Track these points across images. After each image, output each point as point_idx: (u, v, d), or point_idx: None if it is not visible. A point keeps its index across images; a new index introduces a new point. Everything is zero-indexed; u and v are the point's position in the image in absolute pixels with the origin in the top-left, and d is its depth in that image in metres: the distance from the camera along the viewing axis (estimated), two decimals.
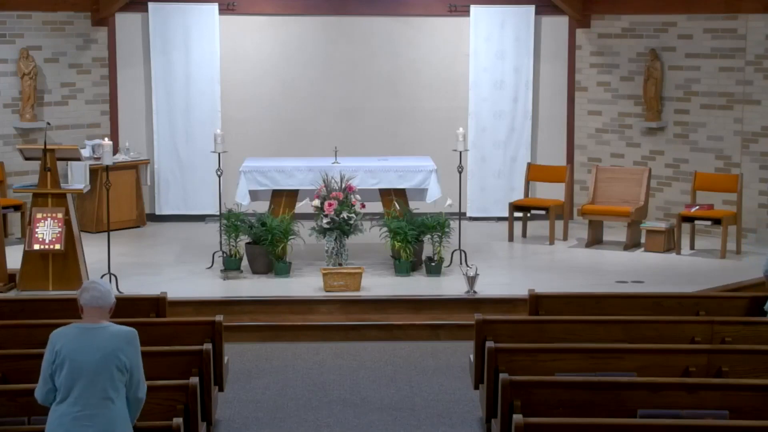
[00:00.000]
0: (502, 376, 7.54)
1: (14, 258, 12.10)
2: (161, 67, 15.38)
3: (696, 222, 13.76)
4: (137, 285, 11.90)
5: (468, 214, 15.45)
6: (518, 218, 14.50)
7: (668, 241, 13.71)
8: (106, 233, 12.07)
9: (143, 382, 6.30)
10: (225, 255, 12.55)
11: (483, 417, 8.55)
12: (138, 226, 15.17)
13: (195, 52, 15.37)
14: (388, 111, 15.70)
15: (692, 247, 13.85)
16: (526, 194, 14.89)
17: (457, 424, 8.99)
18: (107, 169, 11.84)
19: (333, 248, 12.35)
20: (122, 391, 6.19)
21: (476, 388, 8.93)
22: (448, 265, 12.74)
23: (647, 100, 14.91)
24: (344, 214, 12.28)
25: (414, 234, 12.42)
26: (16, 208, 14.10)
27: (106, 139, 12.33)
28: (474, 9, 15.47)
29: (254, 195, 13.09)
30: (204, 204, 15.46)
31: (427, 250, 12.74)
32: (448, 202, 12.80)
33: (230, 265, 12.45)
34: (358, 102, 15.69)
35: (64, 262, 11.71)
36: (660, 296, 9.85)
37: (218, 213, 13.31)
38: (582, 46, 15.57)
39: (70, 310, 9.09)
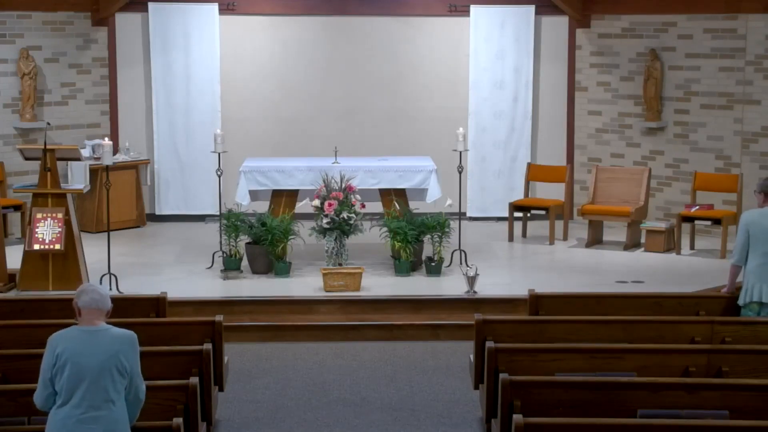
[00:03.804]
0: (502, 376, 7.55)
1: (14, 258, 12.10)
2: (161, 67, 15.38)
3: (696, 222, 13.77)
4: (137, 285, 11.90)
5: (468, 214, 15.45)
6: (518, 218, 14.50)
7: (668, 241, 13.71)
8: (106, 233, 12.07)
9: (142, 384, 6.32)
10: (225, 255, 12.55)
11: (483, 417, 8.55)
12: (138, 226, 15.17)
13: (195, 52, 15.37)
14: (388, 111, 15.70)
15: (692, 247, 13.86)
16: (526, 194, 14.89)
17: (457, 424, 8.99)
18: (107, 169, 11.84)
19: (333, 248, 12.35)
20: (123, 392, 6.21)
21: (476, 388, 8.93)
22: (448, 265, 12.74)
23: (647, 100, 14.91)
24: (344, 214, 12.28)
25: (414, 234, 12.42)
26: (16, 208, 14.11)
27: (106, 139, 12.33)
28: (474, 9, 15.47)
29: (254, 195, 13.09)
30: (204, 204, 15.46)
31: (427, 250, 12.74)
32: (448, 202, 12.80)
33: (230, 265, 12.45)
34: (358, 102, 15.69)
35: (64, 262, 11.71)
36: (660, 296, 9.85)
37: (218, 213, 13.31)
38: (582, 46, 15.57)
39: (70, 310, 9.03)
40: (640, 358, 8.11)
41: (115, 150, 14.88)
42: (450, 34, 15.64)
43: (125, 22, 15.42)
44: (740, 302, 9.30)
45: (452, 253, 12.90)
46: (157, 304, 9.54)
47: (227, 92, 15.50)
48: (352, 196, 12.41)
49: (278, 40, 15.61)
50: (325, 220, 12.31)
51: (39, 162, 11.92)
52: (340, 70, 15.65)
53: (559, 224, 14.35)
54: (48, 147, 11.84)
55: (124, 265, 12.72)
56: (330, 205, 12.28)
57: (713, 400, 7.31)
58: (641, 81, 14.99)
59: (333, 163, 13.04)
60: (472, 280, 11.69)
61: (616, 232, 14.49)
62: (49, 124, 12.94)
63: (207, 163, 15.10)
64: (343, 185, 12.45)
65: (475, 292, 11.71)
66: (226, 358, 9.04)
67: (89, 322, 6.22)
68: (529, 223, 14.63)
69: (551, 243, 14.12)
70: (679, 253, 13.62)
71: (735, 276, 9.48)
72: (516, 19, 15.48)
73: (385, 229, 12.57)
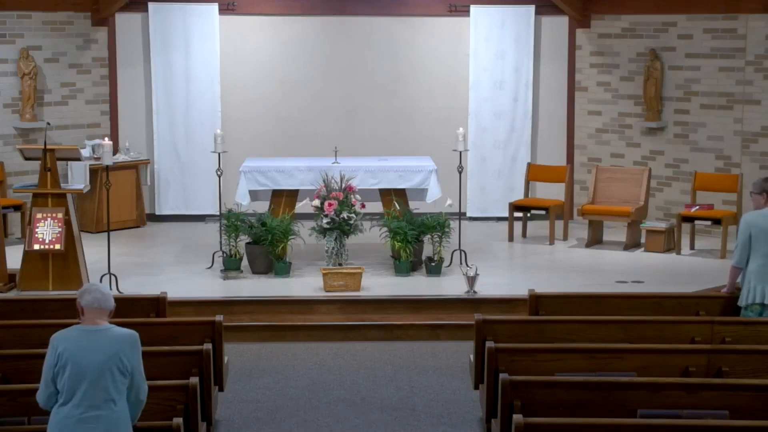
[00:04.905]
0: (502, 376, 7.55)
1: (14, 258, 12.10)
2: (161, 67, 15.38)
3: (696, 222, 13.77)
4: (137, 285, 11.90)
5: (468, 214, 15.45)
6: (518, 218, 14.50)
7: (668, 241, 13.71)
8: (106, 233, 12.07)
9: (144, 384, 6.32)
10: (225, 255, 12.55)
11: (483, 417, 8.55)
12: (138, 226, 15.17)
13: (195, 52, 15.37)
14: (388, 111, 15.70)
15: (692, 247, 13.86)
16: (526, 194, 14.89)
17: (457, 424, 8.99)
18: (107, 169, 11.84)
19: (333, 248, 12.35)
20: (124, 392, 6.21)
21: (476, 388, 8.93)
22: (448, 265, 12.74)
23: (647, 100, 14.91)
24: (344, 214, 12.28)
25: (414, 234, 12.42)
26: (16, 208, 14.10)
27: (106, 139, 12.32)
28: (474, 9, 15.47)
29: (254, 195, 13.08)
30: (204, 204, 15.46)
31: (427, 250, 12.74)
32: (448, 202, 12.80)
33: (230, 265, 12.45)
34: (358, 102, 15.69)
35: (64, 262, 11.71)
36: (660, 296, 9.85)
37: (218, 213, 13.32)
38: (582, 46, 15.57)
39: (70, 310, 9.08)
40: (640, 358, 8.11)
41: (115, 150, 14.88)
42: (450, 34, 15.64)
43: (125, 22, 15.42)
44: (741, 303, 9.29)
45: (452, 253, 12.89)
46: (157, 304, 9.54)
47: (227, 92, 15.50)
48: (352, 196, 12.41)
49: (278, 40, 15.61)
50: (325, 220, 12.32)
51: (39, 162, 11.92)
52: (340, 70, 15.65)
53: (559, 224, 14.35)
54: (48, 147, 11.84)
55: (124, 265, 12.72)
56: (330, 205, 12.28)
57: (713, 400, 7.31)
58: (641, 81, 14.99)
59: (333, 163, 13.04)
60: (472, 280, 11.69)
61: (616, 232, 14.49)
62: (49, 124, 12.94)
63: (207, 163, 15.10)
64: (343, 185, 12.45)
65: (475, 292, 11.71)
66: (226, 358, 9.04)
67: (92, 321, 6.23)
68: (529, 223, 14.63)
69: (551, 243, 14.12)
70: (679, 253, 13.62)
71: (735, 277, 9.49)
72: (516, 19, 15.48)
73: (385, 229, 12.57)
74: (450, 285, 12.10)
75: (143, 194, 15.32)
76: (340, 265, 12.27)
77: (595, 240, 14.11)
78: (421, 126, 15.66)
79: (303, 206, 12.78)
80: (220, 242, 12.82)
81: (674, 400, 7.33)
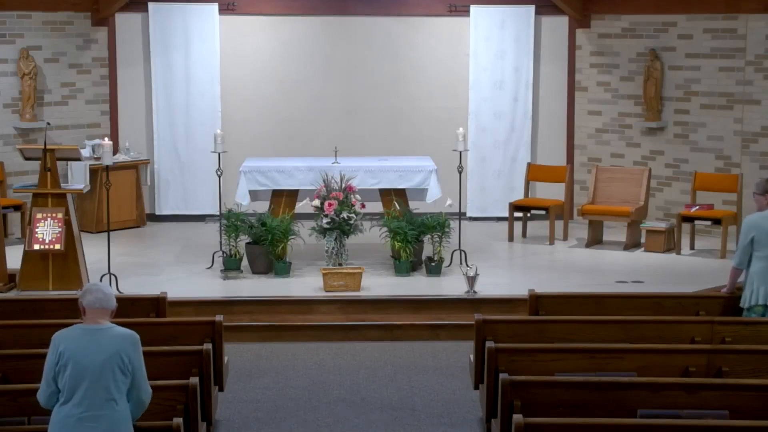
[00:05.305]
0: (502, 376, 7.55)
1: (14, 258, 12.10)
2: (161, 67, 15.38)
3: (696, 222, 13.77)
4: (137, 285, 11.91)
5: (468, 214, 15.45)
6: (518, 218, 14.50)
7: (668, 241, 13.71)
8: (106, 233, 12.07)
9: (146, 384, 6.32)
10: (225, 255, 12.55)
11: (483, 417, 8.55)
12: (138, 226, 15.18)
13: (195, 52, 15.37)
14: (388, 111, 15.70)
15: (692, 247, 13.86)
16: (526, 194, 14.89)
17: (457, 424, 8.99)
18: (107, 169, 11.84)
19: (333, 248, 12.36)
20: (125, 392, 6.22)
21: (476, 388, 8.94)
22: (448, 265, 12.74)
23: (647, 100, 14.92)
24: (344, 214, 12.28)
25: (414, 234, 12.42)
26: (16, 208, 14.11)
27: (106, 139, 12.32)
28: (474, 9, 15.47)
29: (254, 195, 13.09)
30: (204, 204, 15.46)
31: (427, 250, 12.74)
32: (448, 202, 12.80)
33: (230, 265, 12.45)
34: (358, 102, 15.69)
35: (64, 262, 11.71)
36: (660, 296, 9.86)
37: (218, 213, 13.32)
38: (582, 46, 15.57)
39: (70, 310, 9.11)
40: (640, 358, 8.11)
41: (115, 150, 14.88)
42: (450, 34, 15.64)
43: (125, 22, 15.42)
44: (744, 305, 9.28)
45: (452, 253, 12.89)
46: (157, 304, 9.54)
47: (227, 92, 15.50)
48: (352, 196, 12.41)
49: (278, 40, 15.61)
50: (325, 220, 12.32)
51: (39, 162, 11.91)
52: (340, 70, 15.65)
53: (559, 224, 14.35)
54: (48, 147, 11.84)
55: (124, 265, 12.72)
56: (330, 205, 12.28)
57: (713, 400, 7.31)
58: (641, 81, 14.99)
59: (333, 163, 13.04)
60: (472, 280, 11.69)
61: (616, 232, 14.49)
62: (49, 124, 12.94)
63: (207, 163, 15.10)
64: (343, 185, 12.46)
65: (475, 292, 11.71)
66: (226, 358, 9.04)
67: (93, 321, 6.23)
68: (529, 223, 14.63)
69: (551, 243, 14.12)
70: (679, 253, 13.62)
71: (735, 278, 9.49)
72: (516, 19, 15.48)
73: (385, 229, 12.57)
74: (450, 285, 12.10)
75: (143, 194, 15.32)
76: (340, 265, 12.27)
77: (595, 240, 14.11)
78: (421, 126, 15.66)
79: (303, 206, 12.78)
80: (220, 242, 12.82)
81: (674, 400, 7.33)
